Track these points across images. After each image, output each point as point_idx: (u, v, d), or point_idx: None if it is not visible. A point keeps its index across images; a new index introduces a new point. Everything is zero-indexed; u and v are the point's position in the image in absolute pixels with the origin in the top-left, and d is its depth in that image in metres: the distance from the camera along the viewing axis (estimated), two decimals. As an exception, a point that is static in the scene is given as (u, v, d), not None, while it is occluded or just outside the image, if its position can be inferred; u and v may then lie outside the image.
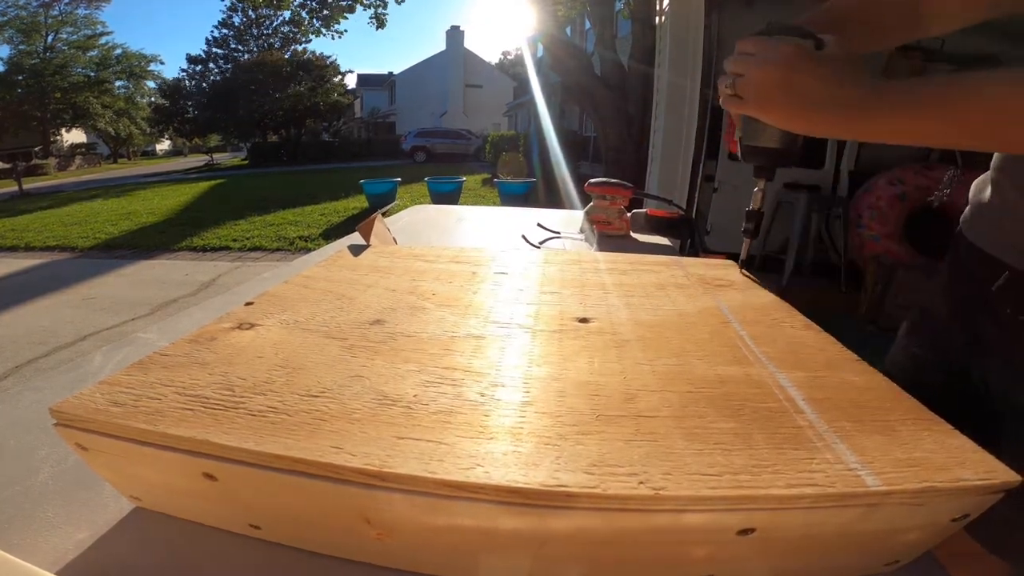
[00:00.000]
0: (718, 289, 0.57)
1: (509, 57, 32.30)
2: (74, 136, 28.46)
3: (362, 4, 7.95)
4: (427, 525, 0.28)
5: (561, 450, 0.28)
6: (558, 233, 1.19)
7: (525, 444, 0.28)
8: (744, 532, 0.26)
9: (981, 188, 0.60)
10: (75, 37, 23.60)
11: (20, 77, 21.67)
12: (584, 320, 0.47)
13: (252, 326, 0.45)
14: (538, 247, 1.08)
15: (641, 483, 0.25)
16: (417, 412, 0.31)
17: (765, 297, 0.55)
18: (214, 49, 26.28)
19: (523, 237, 1.15)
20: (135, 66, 25.98)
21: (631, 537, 0.26)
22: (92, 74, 24.28)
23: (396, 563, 0.31)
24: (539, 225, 1.26)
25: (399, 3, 8.09)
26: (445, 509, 0.26)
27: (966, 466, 0.27)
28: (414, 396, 0.33)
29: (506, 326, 0.46)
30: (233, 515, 0.33)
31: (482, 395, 0.34)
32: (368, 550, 0.31)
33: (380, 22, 8.20)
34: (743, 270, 0.65)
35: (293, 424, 0.30)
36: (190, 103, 25.95)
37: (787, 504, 0.25)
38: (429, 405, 0.32)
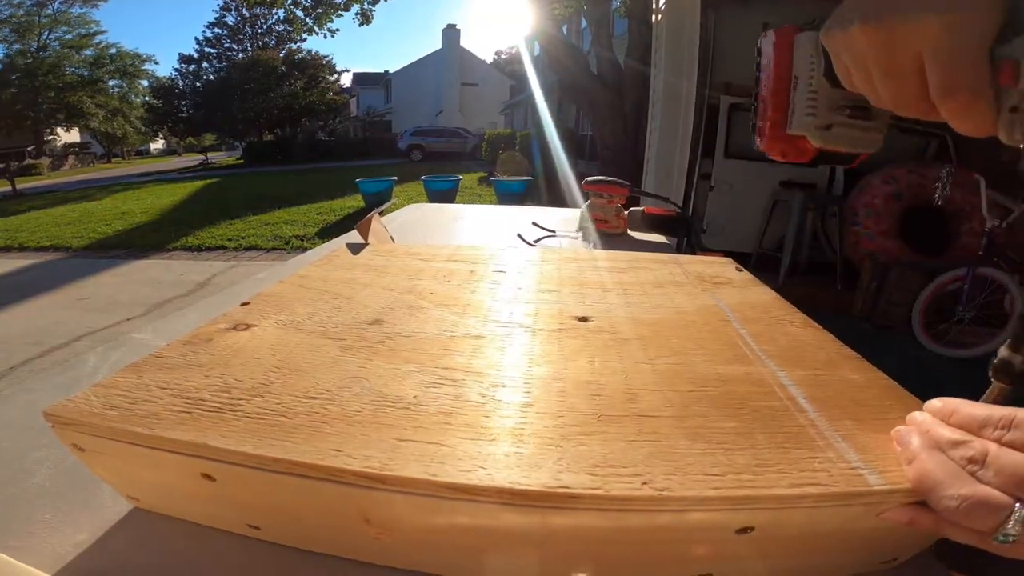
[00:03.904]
0: (716, 287, 0.57)
1: (503, 56, 32.21)
2: (68, 135, 28.27)
3: (356, 1, 7.92)
4: (428, 526, 0.27)
5: (563, 451, 0.28)
6: (553, 232, 1.19)
7: (527, 445, 0.28)
8: (743, 531, 0.26)
9: None
10: (70, 36, 23.43)
11: (14, 77, 21.50)
12: (583, 319, 0.47)
13: (248, 327, 0.44)
14: (533, 245, 1.08)
15: (644, 484, 0.25)
16: (417, 413, 0.31)
17: (763, 295, 0.55)
18: (206, 48, 26.17)
19: (519, 236, 1.14)
20: (129, 65, 25.82)
21: (633, 537, 0.26)
22: (86, 73, 24.12)
23: (396, 562, 0.31)
24: (534, 224, 1.26)
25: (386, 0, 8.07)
26: (447, 510, 0.26)
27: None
28: (414, 397, 0.33)
29: (505, 325, 0.46)
30: (232, 515, 0.33)
31: (483, 396, 0.33)
32: (368, 549, 0.31)
33: (366, 18, 8.14)
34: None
35: (292, 427, 0.29)
36: (184, 102, 25.83)
37: (790, 504, 0.25)
38: (429, 406, 0.32)
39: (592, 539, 0.26)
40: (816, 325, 0.47)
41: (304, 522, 0.31)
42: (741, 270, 0.65)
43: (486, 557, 0.29)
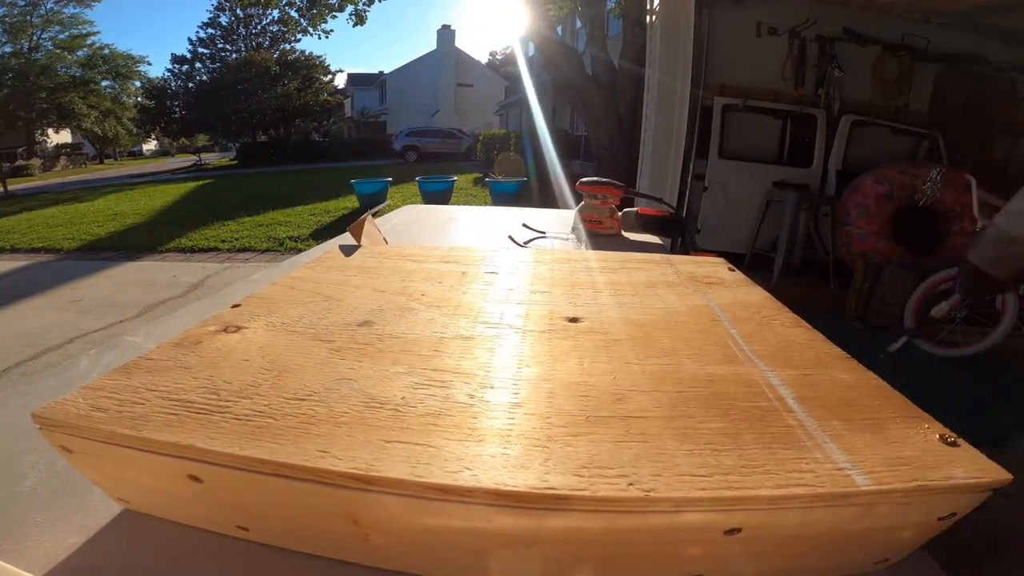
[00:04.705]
0: (708, 287, 0.57)
1: (498, 57, 32.20)
2: (60, 136, 28.10)
3: (351, 2, 7.90)
4: (416, 527, 0.27)
5: (550, 452, 0.27)
6: (543, 233, 1.19)
7: (514, 446, 0.28)
8: (731, 532, 0.26)
9: None
10: (63, 37, 23.30)
11: (7, 77, 21.36)
12: (574, 320, 0.47)
13: (238, 329, 0.44)
14: (523, 246, 1.08)
15: (631, 484, 0.25)
16: (405, 415, 0.31)
17: (755, 295, 0.55)
18: (199, 49, 26.04)
19: (509, 237, 1.14)
20: (121, 66, 25.70)
21: (620, 538, 0.26)
22: (78, 74, 24.01)
23: (386, 563, 0.31)
24: (524, 225, 1.26)
25: (381, 0, 8.04)
26: (433, 511, 0.26)
27: (956, 464, 0.27)
28: (402, 398, 0.33)
29: (496, 326, 0.46)
30: (220, 516, 0.32)
31: (471, 397, 0.33)
32: (357, 551, 0.31)
33: (360, 19, 8.12)
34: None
35: (279, 428, 0.29)
36: (177, 103, 25.69)
37: (777, 504, 0.25)
38: (417, 407, 0.32)
39: (579, 540, 0.26)
40: (807, 325, 0.47)
41: (292, 523, 0.31)
42: (733, 270, 0.65)
43: (474, 558, 0.29)
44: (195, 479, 0.29)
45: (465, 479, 0.25)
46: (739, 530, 0.26)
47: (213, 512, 0.32)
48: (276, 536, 0.32)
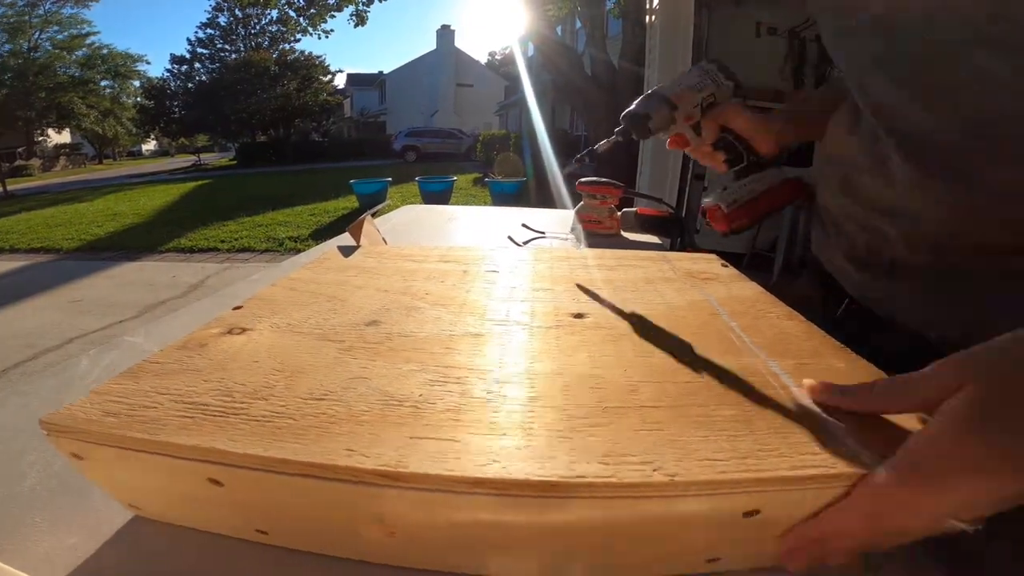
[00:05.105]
0: (704, 282, 0.58)
1: (497, 57, 32.17)
2: (59, 136, 28.06)
3: (350, 2, 7.89)
4: (444, 522, 0.28)
5: (573, 442, 0.28)
6: (543, 233, 1.19)
7: (537, 438, 0.29)
8: (749, 514, 0.26)
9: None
10: (61, 36, 23.27)
11: (6, 77, 21.33)
12: (579, 315, 0.48)
13: (244, 330, 0.44)
14: (522, 246, 1.08)
15: (655, 470, 0.26)
16: (425, 411, 0.31)
17: (749, 289, 0.56)
18: (199, 49, 25.98)
19: (509, 238, 1.14)
20: (120, 66, 25.67)
21: (644, 522, 0.27)
22: (77, 74, 23.97)
23: (410, 562, 0.31)
24: (524, 226, 1.26)
25: (381, 1, 8.04)
26: (462, 505, 0.26)
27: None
28: (420, 395, 0.33)
29: (503, 323, 0.46)
30: (239, 520, 0.32)
31: (488, 392, 0.34)
32: (382, 549, 0.31)
33: (361, 19, 8.12)
34: None
35: (299, 428, 0.29)
36: (176, 103, 25.64)
37: (794, 485, 0.26)
38: (436, 404, 0.32)
39: (605, 527, 0.27)
40: (800, 317, 0.48)
41: (314, 524, 0.31)
42: (727, 266, 0.66)
43: (500, 552, 0.29)
44: (215, 482, 0.29)
45: (495, 471, 0.26)
46: (757, 512, 0.26)
47: (232, 516, 0.32)
48: (296, 538, 0.32)
